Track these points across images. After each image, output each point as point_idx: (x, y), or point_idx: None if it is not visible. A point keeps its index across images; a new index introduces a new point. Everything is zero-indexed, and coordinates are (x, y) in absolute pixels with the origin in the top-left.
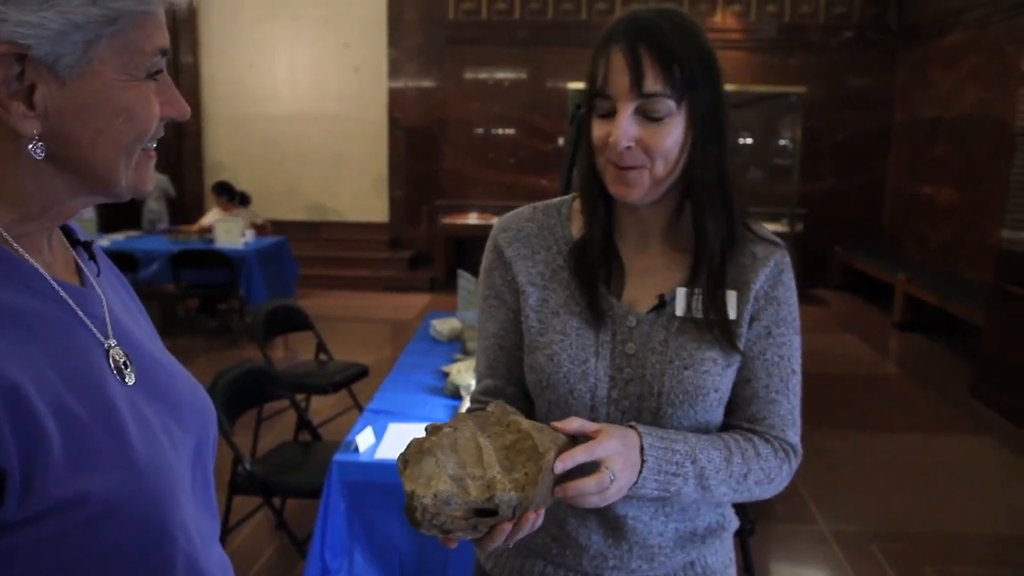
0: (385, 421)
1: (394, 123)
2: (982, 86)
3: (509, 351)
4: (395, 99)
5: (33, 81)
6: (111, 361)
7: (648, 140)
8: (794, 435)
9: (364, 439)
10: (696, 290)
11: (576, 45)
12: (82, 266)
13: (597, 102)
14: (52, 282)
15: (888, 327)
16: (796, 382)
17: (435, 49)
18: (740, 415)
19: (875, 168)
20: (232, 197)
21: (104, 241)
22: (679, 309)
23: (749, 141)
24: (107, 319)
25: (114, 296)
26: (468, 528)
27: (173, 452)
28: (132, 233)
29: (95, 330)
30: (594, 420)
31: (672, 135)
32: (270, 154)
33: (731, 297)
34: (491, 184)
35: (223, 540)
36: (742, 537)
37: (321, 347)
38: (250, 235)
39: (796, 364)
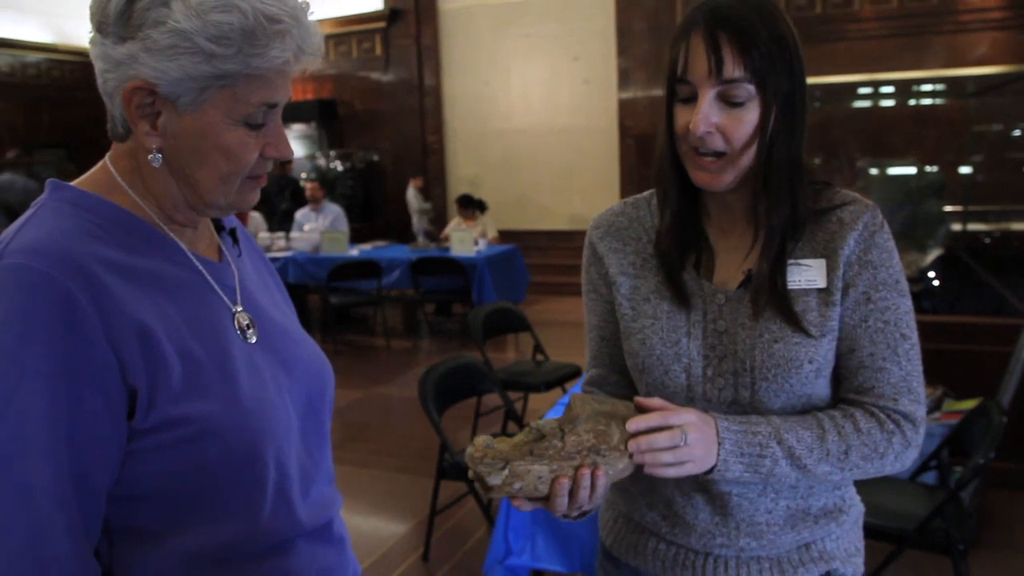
0: None
1: (624, 132)
2: None
3: (610, 341)
4: (625, 108)
5: (160, 109)
6: (236, 322)
7: (727, 126)
8: (909, 403)
9: None
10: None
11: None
12: (223, 247)
13: (678, 87)
14: (190, 255)
15: None
16: (909, 347)
17: (664, 57)
18: (848, 387)
19: None
20: (471, 207)
21: (355, 251)
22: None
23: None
24: (237, 289)
25: (254, 275)
26: (522, 457)
27: (279, 397)
28: (379, 243)
29: (224, 296)
30: (691, 400)
31: (751, 121)
32: (507, 167)
33: (819, 265)
34: None
35: (434, 518)
36: (954, 558)
37: (538, 348)
38: (483, 244)
39: (907, 328)
